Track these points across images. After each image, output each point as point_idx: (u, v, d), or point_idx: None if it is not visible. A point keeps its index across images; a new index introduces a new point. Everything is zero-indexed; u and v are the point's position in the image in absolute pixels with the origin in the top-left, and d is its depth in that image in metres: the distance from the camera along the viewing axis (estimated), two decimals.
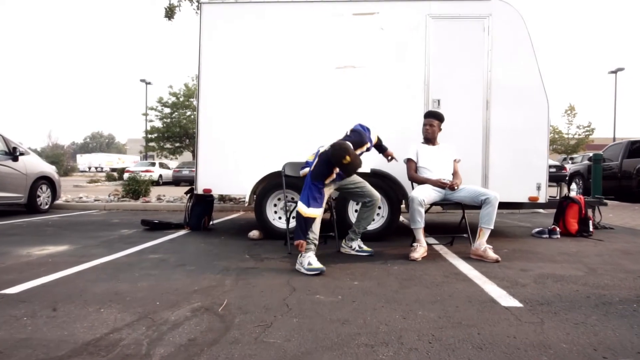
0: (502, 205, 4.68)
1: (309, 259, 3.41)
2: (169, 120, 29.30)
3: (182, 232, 5.54)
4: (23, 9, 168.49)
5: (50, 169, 8.55)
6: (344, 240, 4.25)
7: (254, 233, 5.01)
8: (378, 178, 4.93)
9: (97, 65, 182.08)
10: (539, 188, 4.96)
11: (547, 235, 5.19)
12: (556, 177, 17.25)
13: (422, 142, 4.55)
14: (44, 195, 8.21)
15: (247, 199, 5.04)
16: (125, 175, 24.46)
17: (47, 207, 8.29)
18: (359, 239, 4.23)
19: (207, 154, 5.26)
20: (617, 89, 28.13)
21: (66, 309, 2.48)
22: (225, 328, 2.21)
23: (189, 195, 5.87)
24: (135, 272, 3.37)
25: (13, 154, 7.54)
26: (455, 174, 4.38)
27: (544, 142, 4.96)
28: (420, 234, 3.97)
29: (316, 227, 3.59)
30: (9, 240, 4.94)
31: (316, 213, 3.52)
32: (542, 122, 4.95)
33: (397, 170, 4.82)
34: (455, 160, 4.45)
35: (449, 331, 2.16)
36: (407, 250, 4.15)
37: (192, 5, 8.17)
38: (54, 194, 8.56)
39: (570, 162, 27.47)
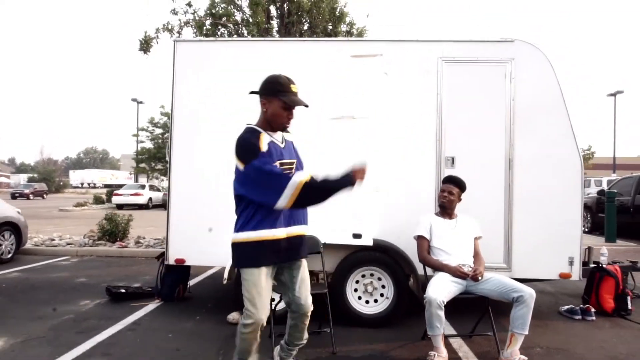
0: (525, 280, 3.93)
1: None
2: (160, 141, 28.57)
3: (150, 307, 4.71)
4: (17, 23, 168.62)
5: (14, 213, 7.70)
6: (279, 350, 2.98)
7: (234, 317, 4.19)
8: (381, 252, 4.14)
9: (92, 81, 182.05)
10: (571, 263, 4.18)
11: (580, 317, 4.41)
12: None
13: (436, 214, 3.78)
14: (6, 244, 7.35)
15: (226, 275, 4.22)
16: (114, 199, 23.76)
17: (10, 255, 7.43)
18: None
19: (180, 217, 4.47)
20: (616, 111, 27.77)
21: None
22: None
23: (160, 260, 5.05)
24: None
25: None
26: (476, 256, 3.60)
27: (577, 208, 4.20)
28: (439, 341, 3.17)
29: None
30: None
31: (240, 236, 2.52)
32: (574, 184, 4.20)
33: (404, 241, 4.05)
34: (475, 238, 3.68)
35: None
36: (419, 351, 3.36)
37: (172, 36, 7.44)
38: (20, 240, 7.71)
39: None
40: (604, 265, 4.74)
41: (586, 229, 12.90)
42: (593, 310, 4.45)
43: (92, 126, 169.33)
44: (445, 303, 3.15)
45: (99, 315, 4.42)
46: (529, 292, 3.11)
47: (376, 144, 4.31)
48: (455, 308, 3.75)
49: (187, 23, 7.50)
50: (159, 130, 28.23)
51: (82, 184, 64.27)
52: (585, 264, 4.87)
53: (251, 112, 4.06)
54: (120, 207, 22.25)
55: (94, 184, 63.64)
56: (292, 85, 2.55)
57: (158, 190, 25.78)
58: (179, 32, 7.44)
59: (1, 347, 3.56)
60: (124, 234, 9.02)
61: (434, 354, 3.15)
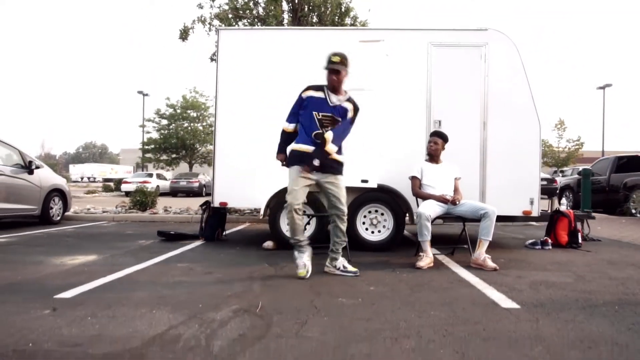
0: (498, 219, 5.07)
1: (297, 260, 3.82)
2: (166, 132, 29.65)
3: (197, 243, 5.86)
4: (19, 16, 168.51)
5: (62, 182, 8.85)
6: (327, 260, 4.08)
7: (269, 244, 5.36)
8: (384, 193, 5.32)
9: (91, 75, 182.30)
10: (531, 203, 5.37)
11: (540, 247, 5.59)
12: (547, 190, 17.82)
13: (426, 160, 4.94)
14: (56, 207, 8.50)
15: (261, 212, 5.39)
16: (123, 187, 24.87)
17: (59, 218, 8.57)
18: (343, 258, 4.09)
19: (223, 169, 5.62)
20: (605, 104, 29.00)
21: (122, 311, 2.82)
22: (267, 325, 2.56)
23: (204, 207, 6.21)
24: (169, 279, 3.72)
25: (29, 167, 7.84)
26: (456, 190, 4.77)
27: (536, 160, 5.39)
28: (427, 246, 4.35)
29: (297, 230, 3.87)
30: (36, 250, 5.25)
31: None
32: (534, 142, 5.39)
33: (402, 186, 5.21)
34: (456, 178, 4.84)
35: (459, 327, 2.53)
36: (413, 260, 4.53)
37: (204, 27, 8.67)
38: (65, 206, 8.85)
39: (560, 175, 28.14)
40: (560, 209, 5.92)
41: (569, 207, 14.14)
42: (550, 242, 5.64)
43: (90, 121, 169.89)
44: (432, 218, 4.33)
45: (160, 246, 5.57)
46: (492, 209, 4.29)
47: (380, 110, 5.47)
48: (441, 237, 4.90)
49: (216, 16, 8.69)
50: (165, 122, 29.24)
51: (82, 178, 64.88)
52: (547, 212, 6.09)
53: (280, 84, 5.24)
54: (128, 194, 23.33)
55: (94, 178, 64.31)
56: (332, 57, 3.83)
57: (164, 179, 26.88)
58: (210, 24, 8.64)
59: (96, 258, 4.73)
60: (153, 204, 10.17)
61: (423, 255, 4.34)
